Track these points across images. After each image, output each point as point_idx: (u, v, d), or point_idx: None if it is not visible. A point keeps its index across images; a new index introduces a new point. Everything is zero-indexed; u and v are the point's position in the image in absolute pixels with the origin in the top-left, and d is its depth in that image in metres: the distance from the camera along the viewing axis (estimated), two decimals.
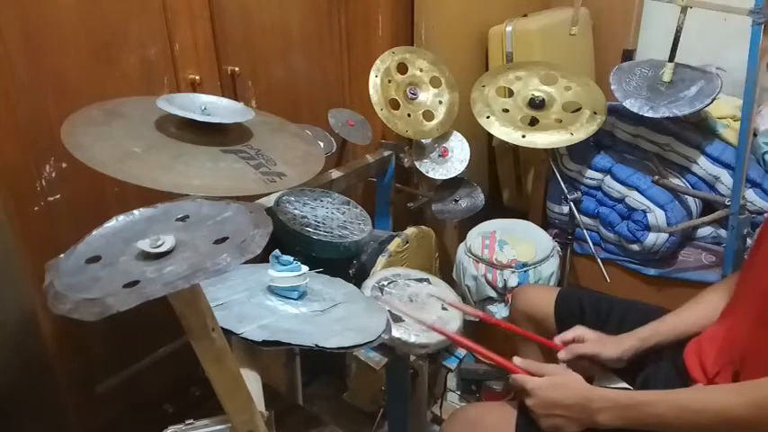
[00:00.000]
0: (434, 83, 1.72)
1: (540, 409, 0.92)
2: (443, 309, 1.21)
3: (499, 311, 1.59)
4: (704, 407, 0.81)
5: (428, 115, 1.70)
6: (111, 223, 0.70)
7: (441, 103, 1.72)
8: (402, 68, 1.67)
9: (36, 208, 1.13)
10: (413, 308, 1.19)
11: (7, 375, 1.14)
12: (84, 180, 1.17)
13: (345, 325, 0.92)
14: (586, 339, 1.11)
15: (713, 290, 1.11)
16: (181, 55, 1.29)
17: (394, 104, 1.63)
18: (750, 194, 1.67)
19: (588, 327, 1.16)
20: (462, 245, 1.70)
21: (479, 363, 1.78)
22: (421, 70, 1.70)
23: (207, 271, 0.56)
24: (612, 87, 1.69)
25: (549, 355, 1.38)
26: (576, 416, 0.89)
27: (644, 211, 1.73)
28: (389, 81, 1.63)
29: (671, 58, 1.67)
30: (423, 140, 1.74)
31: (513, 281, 1.56)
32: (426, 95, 1.71)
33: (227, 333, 0.79)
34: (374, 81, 1.59)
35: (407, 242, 1.47)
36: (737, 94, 1.77)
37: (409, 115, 1.65)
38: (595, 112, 1.67)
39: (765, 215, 1.54)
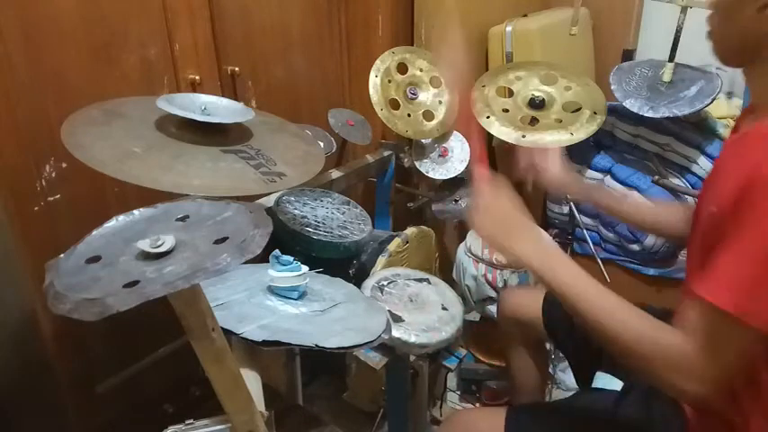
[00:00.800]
0: (435, 83, 1.72)
1: (485, 213, 0.89)
2: (443, 309, 1.21)
3: None
4: (616, 310, 0.78)
5: (428, 115, 1.70)
6: (111, 223, 0.70)
7: (441, 103, 1.72)
8: (402, 68, 1.67)
9: (36, 208, 1.13)
10: (413, 308, 1.19)
11: (7, 375, 1.14)
12: (84, 180, 1.17)
13: (345, 325, 0.92)
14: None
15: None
16: (181, 55, 1.29)
17: (394, 104, 1.63)
18: None
19: (576, 328, 1.16)
20: (462, 245, 1.70)
21: (479, 363, 1.78)
22: (421, 70, 1.70)
23: (207, 271, 0.56)
24: (612, 87, 1.69)
25: (540, 356, 1.39)
26: (501, 234, 0.87)
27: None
28: (389, 81, 1.63)
29: (671, 58, 1.67)
30: (423, 140, 1.74)
31: (513, 281, 1.57)
32: (426, 95, 1.71)
33: (227, 333, 0.79)
34: (374, 81, 1.59)
35: (407, 242, 1.47)
36: (737, 94, 1.77)
37: (409, 115, 1.65)
38: (595, 112, 1.67)
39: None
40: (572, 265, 0.84)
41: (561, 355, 1.58)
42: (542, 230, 0.90)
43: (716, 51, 0.86)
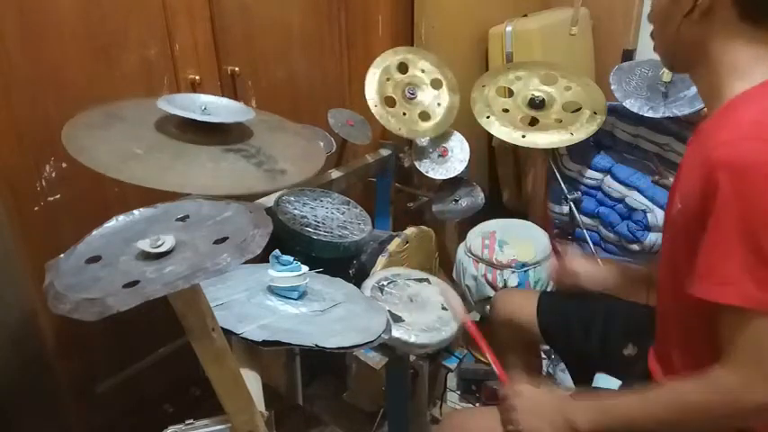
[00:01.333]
0: (436, 85, 1.72)
1: (528, 411, 0.91)
2: (443, 309, 1.21)
3: None
4: (667, 402, 0.80)
5: (424, 116, 1.70)
6: (111, 223, 0.70)
7: (439, 105, 1.72)
8: (403, 68, 1.67)
9: (36, 208, 1.13)
10: (413, 308, 1.19)
11: (7, 375, 1.14)
12: (84, 180, 1.17)
13: (345, 325, 0.92)
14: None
15: None
16: (181, 55, 1.29)
17: (390, 102, 1.63)
18: None
19: (573, 329, 1.16)
20: (462, 245, 1.70)
21: (479, 363, 1.78)
22: (423, 71, 1.70)
23: (207, 271, 0.56)
24: (612, 87, 1.69)
25: (533, 360, 1.38)
26: (552, 417, 0.88)
27: (644, 211, 1.73)
28: (388, 79, 1.63)
29: None
30: (422, 140, 1.75)
31: (513, 281, 1.56)
32: (425, 96, 1.71)
33: (227, 333, 0.79)
34: (372, 77, 1.59)
35: (407, 242, 1.47)
36: None
37: (405, 114, 1.65)
38: (595, 112, 1.67)
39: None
40: (610, 400, 0.86)
41: None
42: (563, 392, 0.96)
43: (662, 61, 0.89)
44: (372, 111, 1.57)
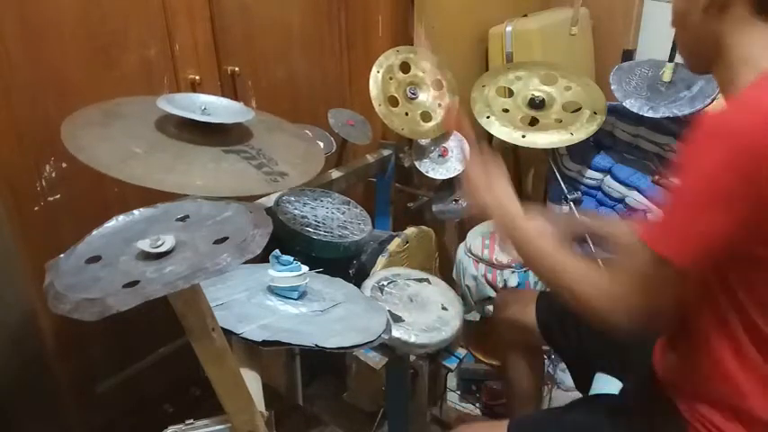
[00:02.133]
0: (436, 86, 1.72)
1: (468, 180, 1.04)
2: (443, 309, 1.21)
3: None
4: (550, 259, 0.87)
5: (426, 116, 1.70)
6: (111, 223, 0.71)
7: (440, 106, 1.72)
8: (405, 67, 1.67)
9: (36, 208, 1.13)
10: (413, 308, 1.19)
11: (7, 375, 1.14)
12: (84, 180, 1.17)
13: (345, 325, 0.92)
14: None
15: None
16: (181, 55, 1.29)
17: (393, 102, 1.63)
18: None
19: (571, 329, 1.17)
20: (462, 245, 1.70)
21: (479, 363, 1.78)
22: (424, 71, 1.70)
23: (207, 271, 0.56)
24: (612, 87, 1.69)
25: (536, 360, 1.39)
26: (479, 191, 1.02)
27: (644, 211, 1.72)
28: (390, 78, 1.63)
29: (671, 58, 1.67)
30: (422, 140, 1.74)
31: (513, 281, 1.57)
32: (426, 97, 1.71)
33: (227, 333, 0.79)
34: (375, 76, 1.59)
35: (407, 242, 1.47)
36: None
37: (407, 114, 1.65)
38: (595, 112, 1.67)
39: None
40: (524, 215, 0.98)
41: None
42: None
43: (685, 64, 0.91)
44: (376, 110, 1.57)
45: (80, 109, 0.96)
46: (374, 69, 1.59)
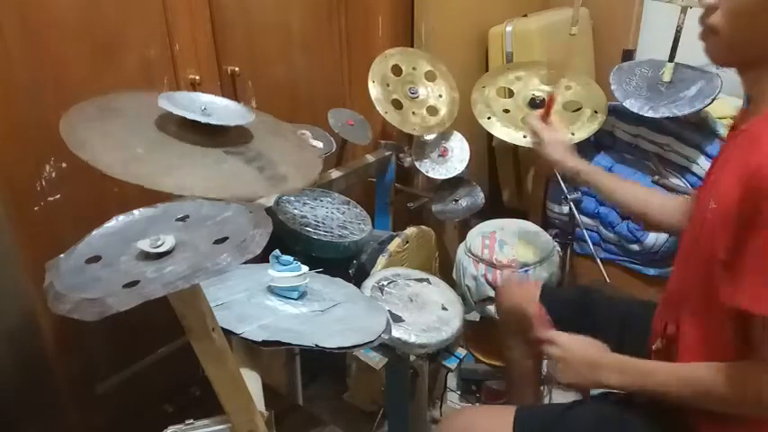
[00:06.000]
0: (429, 77, 1.72)
1: (565, 362, 0.99)
2: (443, 309, 1.21)
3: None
4: (696, 383, 0.84)
5: (432, 110, 1.70)
6: (111, 223, 0.71)
7: (441, 96, 1.72)
8: (397, 71, 1.68)
9: (36, 208, 1.13)
10: (413, 308, 1.19)
11: (7, 375, 1.14)
12: (84, 180, 1.17)
13: (345, 325, 0.92)
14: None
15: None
16: (181, 55, 1.29)
17: (397, 105, 1.64)
18: None
19: (571, 319, 1.17)
20: (462, 245, 1.70)
21: (479, 363, 1.78)
22: (414, 68, 1.70)
23: (207, 271, 0.56)
24: (612, 87, 1.69)
25: (537, 353, 1.39)
26: (585, 372, 0.96)
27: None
28: (388, 85, 1.63)
29: (671, 58, 1.67)
30: (424, 139, 1.75)
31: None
32: (425, 91, 1.72)
33: (227, 333, 0.79)
34: (373, 87, 1.59)
35: (407, 242, 1.47)
36: (737, 94, 1.77)
37: (414, 113, 1.65)
38: (596, 112, 1.67)
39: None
40: (639, 365, 0.92)
41: None
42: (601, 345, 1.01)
43: (711, 53, 0.86)
44: (387, 118, 1.58)
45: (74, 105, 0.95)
46: (369, 80, 1.59)
